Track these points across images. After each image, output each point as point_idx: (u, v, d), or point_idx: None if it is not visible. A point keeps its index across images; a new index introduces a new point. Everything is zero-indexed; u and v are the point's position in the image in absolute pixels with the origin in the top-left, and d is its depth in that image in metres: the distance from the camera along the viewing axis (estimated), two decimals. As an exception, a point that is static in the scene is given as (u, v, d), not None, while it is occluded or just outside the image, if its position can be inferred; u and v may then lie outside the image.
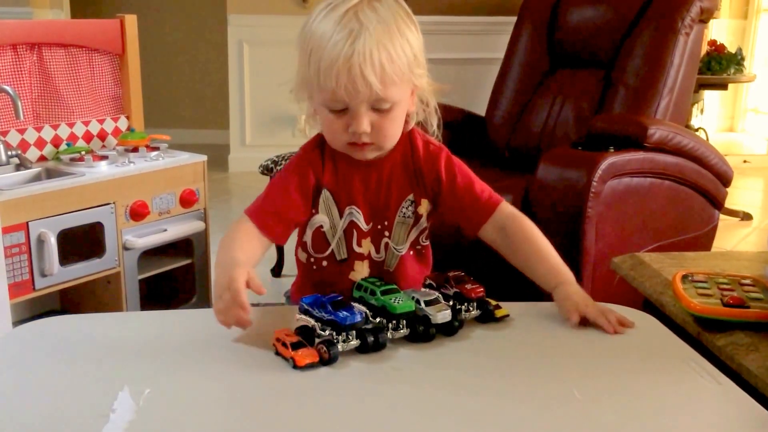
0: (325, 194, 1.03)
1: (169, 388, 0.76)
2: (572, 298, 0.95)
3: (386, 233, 1.05)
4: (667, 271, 1.18)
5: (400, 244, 1.05)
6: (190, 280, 2.21)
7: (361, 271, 1.05)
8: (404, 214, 1.05)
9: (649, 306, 1.15)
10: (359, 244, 1.04)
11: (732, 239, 3.18)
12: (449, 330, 0.88)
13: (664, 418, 0.73)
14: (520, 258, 1.02)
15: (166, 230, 2.06)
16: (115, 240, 1.95)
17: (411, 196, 1.04)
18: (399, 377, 0.80)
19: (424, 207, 1.05)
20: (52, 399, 0.74)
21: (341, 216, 1.03)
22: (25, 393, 0.75)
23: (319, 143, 1.04)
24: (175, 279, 2.21)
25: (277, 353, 0.82)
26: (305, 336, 0.83)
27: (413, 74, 0.96)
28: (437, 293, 0.91)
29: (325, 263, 1.05)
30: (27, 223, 1.76)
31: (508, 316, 0.94)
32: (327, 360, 0.80)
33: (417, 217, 1.05)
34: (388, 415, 0.72)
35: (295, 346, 0.81)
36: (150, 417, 0.70)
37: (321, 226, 1.04)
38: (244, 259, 0.93)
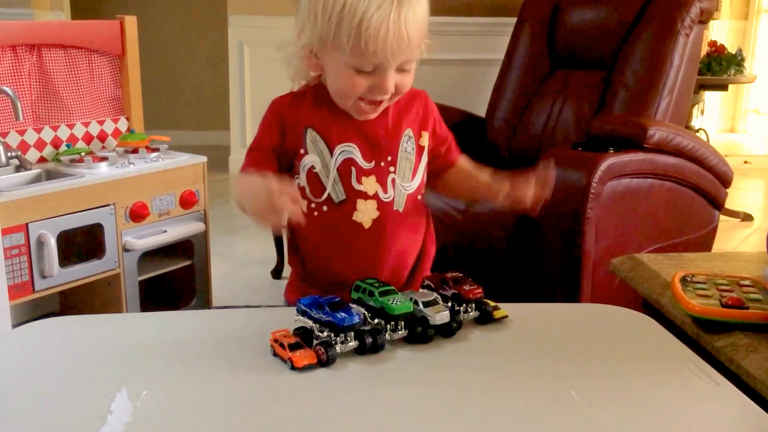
0: (311, 134, 1.02)
1: (167, 390, 0.76)
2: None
3: (391, 169, 1.04)
4: (666, 272, 1.18)
5: (406, 180, 1.05)
6: (190, 281, 2.21)
7: (365, 210, 1.03)
8: (405, 149, 1.05)
9: (648, 307, 1.15)
10: (359, 182, 1.03)
11: (733, 240, 3.18)
12: (448, 331, 0.88)
13: (661, 420, 0.73)
14: (464, 174, 1.12)
15: (166, 231, 2.06)
16: (114, 241, 1.95)
17: (408, 131, 1.06)
18: (397, 378, 0.80)
19: (426, 139, 1.07)
20: (51, 400, 0.74)
21: (332, 154, 1.02)
22: (24, 394, 0.75)
23: (297, 89, 1.04)
24: (175, 280, 2.21)
25: (275, 354, 0.82)
26: (303, 337, 0.83)
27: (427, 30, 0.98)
28: (435, 294, 0.91)
29: (325, 208, 1.04)
30: (27, 224, 1.76)
31: (506, 317, 0.94)
32: (325, 362, 0.80)
33: (419, 150, 1.07)
34: (387, 416, 0.72)
35: (293, 347, 0.81)
36: (147, 419, 0.70)
37: (312, 167, 1.03)
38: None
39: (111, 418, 0.70)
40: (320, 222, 1.04)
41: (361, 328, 0.84)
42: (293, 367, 0.79)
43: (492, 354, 0.86)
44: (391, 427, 0.71)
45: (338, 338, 0.82)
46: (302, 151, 1.03)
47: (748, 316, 0.97)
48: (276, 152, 1.04)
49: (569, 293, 1.87)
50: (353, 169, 1.02)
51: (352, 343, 0.83)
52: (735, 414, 0.76)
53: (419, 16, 0.93)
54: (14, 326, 1.66)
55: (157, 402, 0.73)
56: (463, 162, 1.15)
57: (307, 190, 1.04)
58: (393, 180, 1.04)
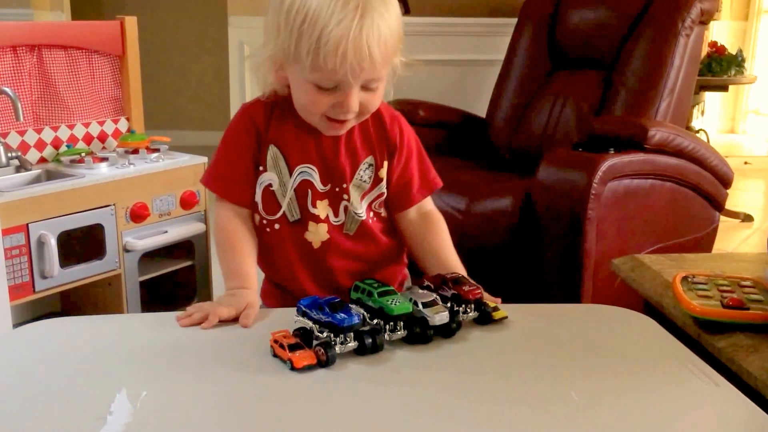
0: (273, 150, 1.00)
1: (167, 391, 0.76)
2: None
3: (345, 196, 1.03)
4: (667, 272, 1.18)
5: (357, 208, 1.04)
6: (190, 281, 2.21)
7: (316, 232, 1.02)
8: (361, 177, 1.03)
9: (649, 308, 1.15)
10: (314, 205, 1.01)
11: (733, 241, 3.18)
12: (447, 332, 0.88)
13: (661, 421, 0.73)
14: (426, 249, 1.06)
15: (166, 232, 2.06)
16: (115, 242, 1.95)
17: (370, 159, 1.03)
18: (397, 379, 0.80)
19: (385, 171, 1.04)
20: (50, 400, 0.74)
21: (291, 174, 1.01)
22: (24, 394, 0.75)
23: (267, 99, 1.02)
24: (176, 281, 2.21)
25: (275, 355, 0.82)
26: (303, 338, 0.83)
27: (398, 49, 0.95)
28: (435, 295, 0.91)
29: (277, 226, 1.03)
30: (27, 224, 1.76)
31: (506, 318, 0.93)
32: (324, 362, 0.80)
33: (376, 180, 1.04)
34: (387, 416, 0.72)
35: (293, 348, 0.81)
36: (147, 419, 0.70)
37: (270, 185, 1.01)
38: (252, 280, 0.98)
39: (111, 419, 0.70)
40: (271, 239, 1.04)
41: (361, 328, 0.84)
42: (293, 368, 0.79)
43: (492, 354, 0.86)
44: (391, 428, 0.70)
45: (338, 339, 0.82)
46: (261, 168, 1.01)
47: (749, 316, 0.97)
48: (254, 158, 1.01)
49: (570, 293, 1.87)
50: (309, 191, 1.01)
51: (352, 344, 0.82)
52: (735, 415, 0.76)
53: (384, 33, 0.89)
54: (15, 326, 1.66)
55: (156, 403, 0.73)
56: (444, 233, 1.07)
57: (261, 207, 1.03)
58: (346, 207, 1.03)
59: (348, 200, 1.03)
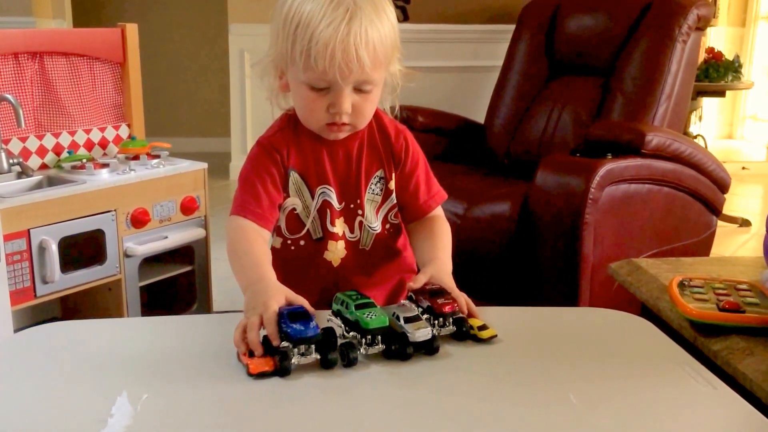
0: (294, 176, 1.03)
1: (168, 394, 0.77)
2: (428, 271, 0.96)
3: (359, 212, 1.05)
4: (664, 276, 1.19)
5: (372, 222, 1.06)
6: (191, 286, 2.22)
7: (335, 251, 1.05)
8: (373, 191, 1.05)
9: (647, 311, 1.15)
10: (333, 224, 1.04)
11: (731, 245, 3.19)
12: (430, 349, 0.84)
13: (660, 423, 0.73)
14: (419, 240, 1.07)
15: (166, 237, 2.07)
16: (116, 247, 1.95)
17: (380, 172, 1.06)
18: (398, 383, 0.80)
19: (393, 183, 1.07)
20: (51, 404, 0.75)
21: (313, 196, 1.03)
22: (25, 398, 0.76)
23: (281, 127, 1.04)
24: (176, 286, 2.22)
25: (239, 359, 0.82)
26: (267, 345, 0.81)
27: (393, 57, 0.98)
28: (417, 309, 0.87)
29: (302, 242, 1.05)
30: (28, 230, 1.77)
31: (495, 336, 0.89)
32: (279, 371, 0.78)
33: (387, 193, 1.06)
34: (395, 419, 0.73)
35: (253, 354, 0.80)
36: (148, 422, 0.71)
37: (294, 209, 1.03)
38: (274, 277, 0.93)
39: (111, 422, 0.70)
40: (294, 256, 1.05)
41: (341, 342, 0.82)
42: (249, 374, 0.78)
43: (490, 357, 0.86)
44: (398, 429, 0.71)
45: (296, 350, 0.79)
46: (285, 194, 1.03)
47: (745, 319, 0.98)
48: (279, 187, 1.02)
49: (568, 297, 1.88)
50: (328, 210, 1.04)
51: (313, 356, 0.79)
52: (732, 417, 0.76)
53: (372, 37, 0.92)
54: (16, 331, 1.66)
55: (157, 406, 0.74)
56: (440, 229, 1.08)
57: (284, 229, 1.05)
58: (360, 222, 1.05)
59: (362, 215, 1.05)
